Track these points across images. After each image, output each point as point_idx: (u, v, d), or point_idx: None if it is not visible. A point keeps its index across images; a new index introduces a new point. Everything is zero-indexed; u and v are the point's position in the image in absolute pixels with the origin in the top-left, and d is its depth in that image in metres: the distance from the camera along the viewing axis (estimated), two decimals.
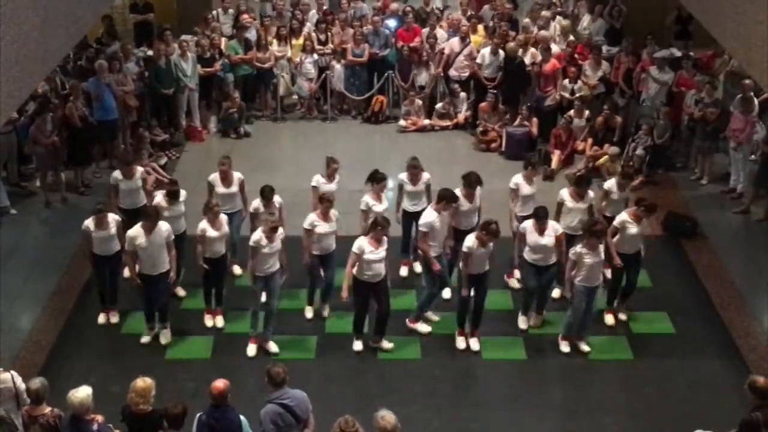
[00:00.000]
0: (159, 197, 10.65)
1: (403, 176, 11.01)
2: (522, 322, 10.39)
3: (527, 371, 9.85)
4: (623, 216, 10.20)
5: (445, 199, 9.97)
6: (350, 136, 15.94)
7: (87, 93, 13.92)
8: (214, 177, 10.97)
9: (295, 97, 16.81)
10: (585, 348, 10.01)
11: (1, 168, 13.42)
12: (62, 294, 11.02)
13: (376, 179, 10.64)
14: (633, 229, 10.09)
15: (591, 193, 10.80)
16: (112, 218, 10.28)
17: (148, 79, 15.07)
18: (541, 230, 9.93)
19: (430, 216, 9.96)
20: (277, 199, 10.47)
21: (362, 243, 9.51)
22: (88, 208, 12.90)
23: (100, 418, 7.27)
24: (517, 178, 10.99)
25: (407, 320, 10.34)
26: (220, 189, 10.91)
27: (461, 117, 16.00)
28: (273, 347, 9.96)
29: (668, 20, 16.48)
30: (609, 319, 10.49)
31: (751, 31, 8.15)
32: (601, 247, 9.64)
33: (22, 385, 7.66)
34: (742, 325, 10.40)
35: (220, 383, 7.23)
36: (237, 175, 11.05)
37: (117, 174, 11.28)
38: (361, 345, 10.03)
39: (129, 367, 8.91)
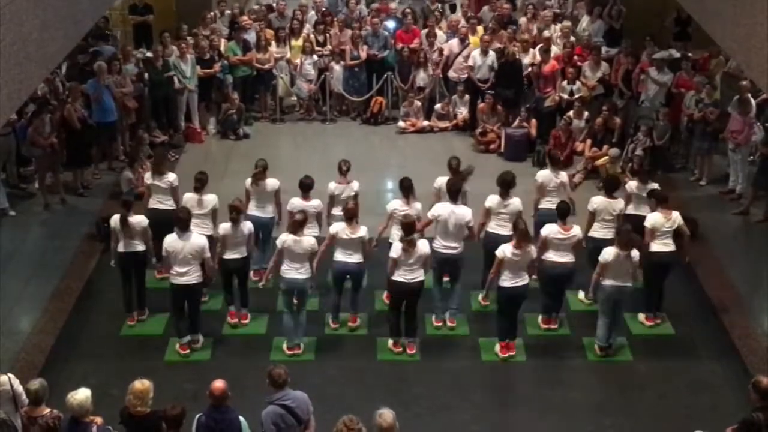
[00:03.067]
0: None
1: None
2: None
3: (527, 373, 9.84)
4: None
5: None
6: (349, 137, 15.94)
7: (86, 94, 13.92)
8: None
9: (294, 98, 16.82)
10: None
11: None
12: (61, 296, 11.00)
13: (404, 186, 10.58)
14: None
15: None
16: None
17: (148, 80, 15.07)
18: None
19: None
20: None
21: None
22: (87, 210, 12.98)
23: (99, 420, 7.26)
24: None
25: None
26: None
27: (460, 118, 16.01)
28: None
29: (667, 21, 16.51)
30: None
31: (750, 33, 8.16)
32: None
33: (19, 388, 7.65)
34: (742, 326, 10.39)
35: (219, 384, 7.23)
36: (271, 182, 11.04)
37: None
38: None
39: (128, 370, 8.88)
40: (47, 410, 7.34)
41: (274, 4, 17.72)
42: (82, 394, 7.09)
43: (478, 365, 9.93)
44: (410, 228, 9.62)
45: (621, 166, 13.97)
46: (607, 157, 13.87)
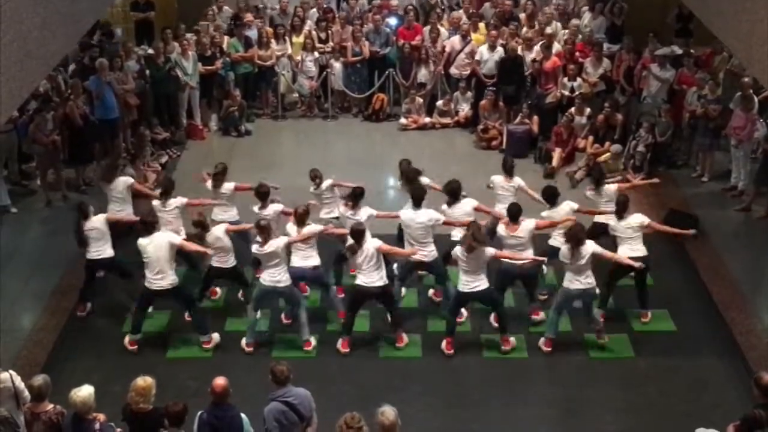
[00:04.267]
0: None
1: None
2: None
3: (528, 370, 9.84)
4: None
5: None
6: (351, 134, 15.95)
7: (88, 91, 13.93)
8: None
9: (296, 95, 16.82)
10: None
11: (1, 166, 13.42)
12: (63, 293, 11.02)
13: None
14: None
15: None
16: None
17: (149, 77, 15.08)
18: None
19: None
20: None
21: None
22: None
23: (101, 417, 7.28)
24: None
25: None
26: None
27: (462, 115, 16.01)
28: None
29: (669, 18, 16.47)
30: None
31: (751, 29, 8.16)
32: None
33: (21, 385, 7.66)
34: (743, 323, 10.38)
35: (221, 381, 7.23)
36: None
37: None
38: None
39: (130, 366, 8.90)
40: (50, 406, 7.35)
41: (260, 5, 17.70)
42: (85, 391, 7.10)
43: (480, 362, 9.93)
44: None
45: (623, 163, 14.00)
46: (608, 154, 13.86)
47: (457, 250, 9.56)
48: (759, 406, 7.30)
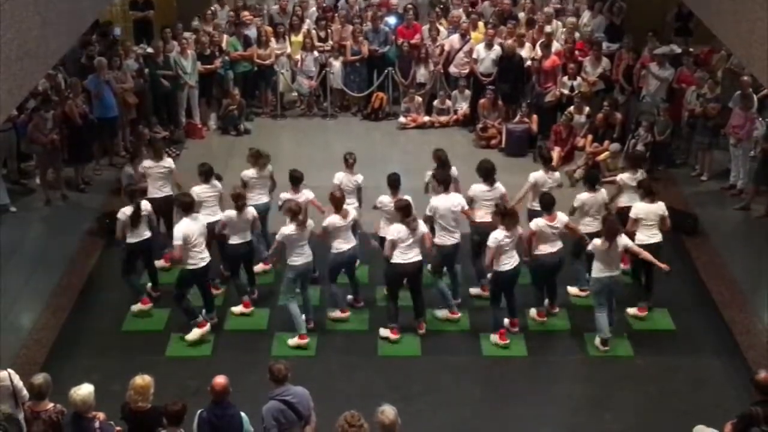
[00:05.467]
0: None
1: None
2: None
3: (528, 368, 9.85)
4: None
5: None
6: (350, 133, 15.94)
7: (87, 90, 13.93)
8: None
9: (295, 94, 16.82)
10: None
11: (0, 165, 13.41)
12: (63, 291, 11.02)
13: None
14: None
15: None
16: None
17: (149, 76, 15.07)
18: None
19: None
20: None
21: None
22: (88, 206, 12.99)
23: (101, 415, 7.28)
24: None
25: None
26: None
27: (460, 113, 16.00)
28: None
29: (668, 17, 16.48)
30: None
31: (751, 28, 8.15)
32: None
33: (19, 383, 7.66)
34: (743, 322, 10.39)
35: (220, 379, 7.24)
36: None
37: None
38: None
39: (130, 365, 8.86)
40: (50, 405, 7.36)
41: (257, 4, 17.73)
42: (85, 390, 7.10)
43: (479, 360, 9.93)
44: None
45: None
46: (607, 153, 13.86)
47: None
48: (756, 403, 7.31)
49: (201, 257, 9.88)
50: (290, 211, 9.83)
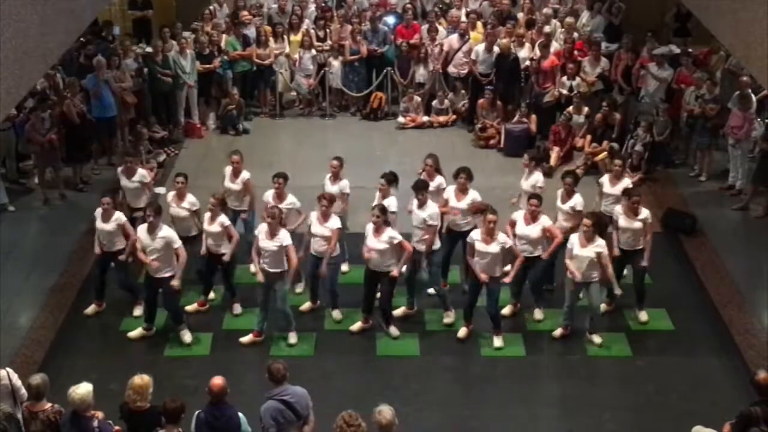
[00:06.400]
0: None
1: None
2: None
3: (526, 368, 9.85)
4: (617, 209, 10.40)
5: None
6: (349, 133, 15.93)
7: (85, 90, 13.92)
8: (227, 169, 11.12)
9: (294, 93, 16.81)
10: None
11: None
12: (61, 291, 11.01)
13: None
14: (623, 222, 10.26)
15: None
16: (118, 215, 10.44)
17: (147, 75, 15.06)
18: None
19: None
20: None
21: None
22: (86, 205, 12.97)
23: (99, 414, 7.27)
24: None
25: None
26: (227, 183, 11.03)
27: (459, 107, 15.99)
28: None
29: (667, 17, 16.49)
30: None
31: (749, 28, 8.15)
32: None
33: (18, 382, 7.67)
34: (741, 322, 10.39)
35: (218, 380, 7.24)
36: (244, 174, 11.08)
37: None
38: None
39: (128, 365, 8.89)
40: (48, 405, 7.36)
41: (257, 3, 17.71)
42: (83, 389, 7.10)
43: (478, 360, 9.93)
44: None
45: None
46: (605, 153, 13.86)
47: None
48: (755, 403, 7.32)
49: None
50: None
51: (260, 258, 9.78)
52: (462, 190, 10.50)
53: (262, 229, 9.78)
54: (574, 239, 9.79)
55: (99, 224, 10.27)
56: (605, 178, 11.22)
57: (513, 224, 10.20)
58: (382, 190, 10.51)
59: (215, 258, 10.31)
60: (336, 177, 10.90)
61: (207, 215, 10.26)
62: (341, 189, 10.81)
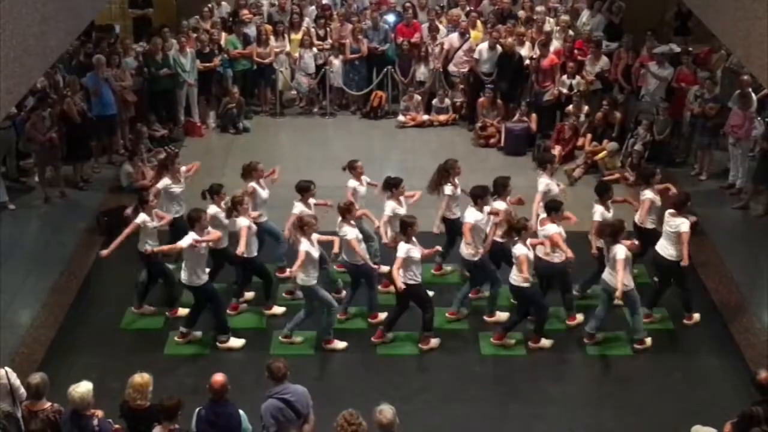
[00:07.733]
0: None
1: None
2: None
3: (527, 367, 9.85)
4: None
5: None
6: (349, 131, 15.94)
7: (85, 88, 13.92)
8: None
9: (294, 92, 16.81)
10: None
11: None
12: (61, 290, 11.01)
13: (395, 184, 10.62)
14: None
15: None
16: None
17: (147, 74, 15.07)
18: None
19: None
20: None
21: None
22: (87, 204, 12.99)
23: (99, 413, 7.27)
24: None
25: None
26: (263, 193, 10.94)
27: (458, 104, 15.99)
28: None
29: (668, 16, 16.49)
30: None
31: (750, 27, 8.16)
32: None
33: (16, 382, 7.67)
34: (741, 321, 10.40)
35: (219, 377, 7.24)
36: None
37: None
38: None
39: (128, 363, 8.87)
40: (48, 404, 7.36)
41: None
42: (83, 387, 7.11)
43: (478, 359, 9.93)
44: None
45: (620, 161, 13.99)
46: (605, 152, 13.86)
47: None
48: (756, 403, 7.32)
49: None
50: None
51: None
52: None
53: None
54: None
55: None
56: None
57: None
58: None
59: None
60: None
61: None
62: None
